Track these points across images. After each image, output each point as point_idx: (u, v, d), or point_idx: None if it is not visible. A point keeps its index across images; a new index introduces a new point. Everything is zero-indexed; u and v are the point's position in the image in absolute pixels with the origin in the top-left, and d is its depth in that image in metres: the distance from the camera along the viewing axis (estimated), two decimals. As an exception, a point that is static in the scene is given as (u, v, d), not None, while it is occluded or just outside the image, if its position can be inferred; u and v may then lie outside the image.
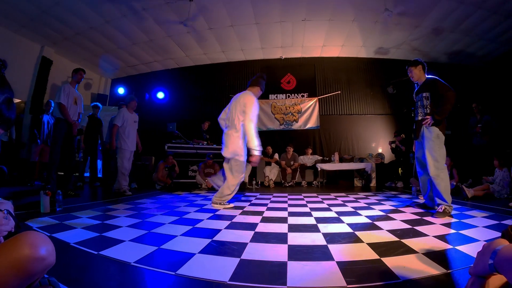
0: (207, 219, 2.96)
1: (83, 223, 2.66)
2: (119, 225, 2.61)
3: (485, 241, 2.01)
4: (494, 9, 6.19)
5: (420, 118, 3.52)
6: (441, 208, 3.09)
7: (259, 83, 4.01)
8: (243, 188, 6.74)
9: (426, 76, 3.60)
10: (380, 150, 8.80)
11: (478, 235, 2.24)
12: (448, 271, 1.49)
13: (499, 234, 1.65)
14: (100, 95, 9.72)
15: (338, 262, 1.65)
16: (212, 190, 6.26)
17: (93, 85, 9.78)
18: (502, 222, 2.72)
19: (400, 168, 7.58)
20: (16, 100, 7.51)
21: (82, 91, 6.76)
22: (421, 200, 3.96)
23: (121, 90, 9.57)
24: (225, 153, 3.83)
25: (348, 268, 1.56)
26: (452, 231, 2.40)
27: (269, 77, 9.44)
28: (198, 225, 2.66)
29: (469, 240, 2.11)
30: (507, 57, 7.83)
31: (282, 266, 1.61)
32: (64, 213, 3.14)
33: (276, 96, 9.51)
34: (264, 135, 9.09)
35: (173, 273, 1.49)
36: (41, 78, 7.61)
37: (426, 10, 6.47)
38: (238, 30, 7.66)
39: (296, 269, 1.55)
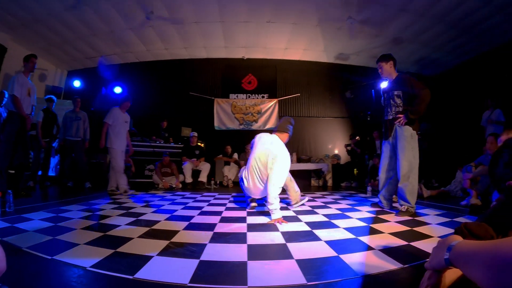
0: (165, 220, 2.83)
1: (35, 225, 2.45)
2: (73, 227, 2.41)
3: (439, 237, 2.11)
4: (453, 24, 6.67)
5: (391, 117, 3.42)
6: (404, 208, 3.13)
7: (288, 129, 3.36)
8: (201, 188, 6.61)
9: (397, 72, 3.51)
10: (336, 151, 9.13)
11: (432, 231, 2.35)
12: (405, 266, 1.54)
13: (452, 231, 1.74)
14: (54, 88, 9.01)
15: (297, 260, 1.65)
16: (169, 190, 6.07)
17: (48, 76, 9.01)
18: (454, 219, 2.89)
19: (355, 169, 7.90)
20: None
21: (36, 83, 6.17)
22: (376, 199, 4.09)
23: (76, 83, 8.87)
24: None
25: (307, 266, 1.56)
26: (407, 228, 2.50)
27: (231, 76, 9.47)
28: (155, 226, 2.53)
29: (424, 236, 2.21)
30: (461, 68, 8.53)
31: (242, 266, 1.57)
32: (15, 214, 2.87)
33: (237, 96, 9.48)
34: (224, 135, 9.05)
35: (131, 277, 1.40)
36: (-7, 66, 6.85)
37: (388, 21, 6.79)
38: (202, 27, 7.50)
39: (256, 269, 1.52)
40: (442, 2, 5.90)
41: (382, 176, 3.63)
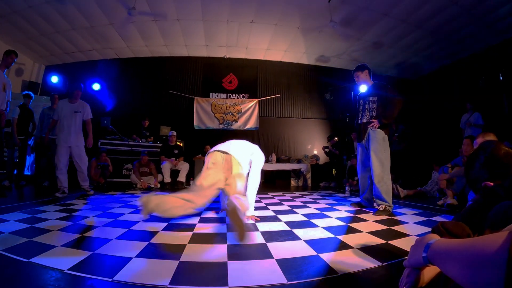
0: (143, 220, 2.75)
1: (11, 227, 2.33)
2: (50, 228, 2.32)
3: (416, 236, 2.17)
4: (432, 30, 6.92)
5: (365, 121, 3.65)
6: (382, 207, 3.26)
7: None
8: (180, 188, 6.51)
9: (372, 80, 3.77)
10: (315, 152, 9.24)
11: (409, 230, 2.41)
12: (384, 264, 1.56)
13: (429, 229, 1.80)
14: (32, 83, 8.60)
15: (277, 260, 1.64)
16: (148, 190, 5.94)
17: (25, 71, 8.58)
18: (431, 218, 2.98)
19: (334, 169, 8.02)
20: None
21: (12, 77, 5.79)
22: (355, 199, 4.17)
23: (54, 79, 8.46)
24: None
25: (287, 265, 1.56)
26: (385, 227, 2.56)
27: (211, 75, 9.38)
28: (134, 227, 2.46)
29: (401, 235, 2.26)
30: (440, 72, 8.87)
31: (223, 266, 1.55)
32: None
33: (217, 95, 9.41)
34: (203, 134, 8.95)
35: (110, 279, 1.35)
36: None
37: (369, 25, 6.96)
38: (183, 25, 7.41)
39: (236, 269, 1.51)
40: (422, 9, 6.14)
41: (361, 178, 3.78)
